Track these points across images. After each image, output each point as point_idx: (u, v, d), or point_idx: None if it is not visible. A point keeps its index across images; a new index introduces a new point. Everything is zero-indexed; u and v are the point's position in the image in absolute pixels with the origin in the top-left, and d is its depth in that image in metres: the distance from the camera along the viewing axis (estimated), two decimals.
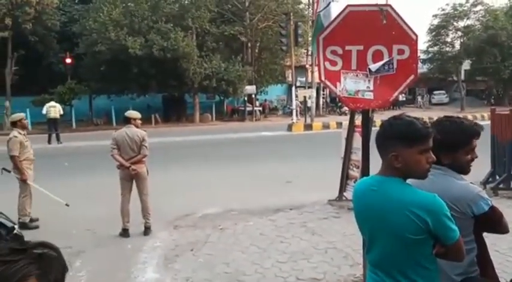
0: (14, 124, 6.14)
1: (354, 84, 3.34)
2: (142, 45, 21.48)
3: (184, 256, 4.70)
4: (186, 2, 24.92)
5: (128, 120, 5.64)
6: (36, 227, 5.87)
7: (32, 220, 6.01)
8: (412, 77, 3.52)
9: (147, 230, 5.53)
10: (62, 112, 17.00)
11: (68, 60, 23.72)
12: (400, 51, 3.49)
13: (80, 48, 23.59)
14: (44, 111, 16.62)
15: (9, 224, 3.29)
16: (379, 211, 1.67)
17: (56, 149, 14.88)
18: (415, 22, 3.58)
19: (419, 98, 39.15)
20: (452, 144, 1.91)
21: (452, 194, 1.82)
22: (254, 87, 26.34)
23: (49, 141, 15.84)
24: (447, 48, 36.66)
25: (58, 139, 16.05)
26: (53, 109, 16.32)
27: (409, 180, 1.72)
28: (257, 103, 28.54)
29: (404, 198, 1.62)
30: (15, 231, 3.30)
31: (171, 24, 22.52)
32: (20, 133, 6.00)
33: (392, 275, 1.68)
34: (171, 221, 6.01)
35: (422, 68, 33.87)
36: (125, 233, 5.45)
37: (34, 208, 6.22)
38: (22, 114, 6.37)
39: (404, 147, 1.64)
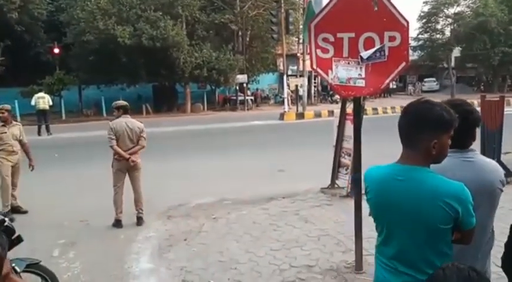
0: None
1: (345, 72, 3.34)
2: (131, 34, 21.16)
3: (178, 246, 4.72)
4: None
5: (126, 111, 5.56)
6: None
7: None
8: (403, 64, 3.52)
9: (140, 220, 5.52)
10: (51, 103, 16.76)
11: (56, 50, 23.26)
12: (392, 38, 3.48)
13: (67, 38, 23.17)
14: (32, 103, 16.37)
15: (0, 217, 3.28)
16: (408, 202, 1.62)
17: (45, 140, 14.71)
18: (406, 9, 3.60)
19: (410, 86, 39.36)
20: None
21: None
22: (245, 76, 26.18)
23: (39, 133, 15.64)
24: (437, 35, 36.80)
25: (48, 130, 15.88)
26: (42, 100, 16.09)
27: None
28: (249, 92, 28.43)
29: (437, 188, 1.59)
30: (6, 224, 3.29)
31: (160, 13, 22.17)
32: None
33: (416, 265, 1.64)
34: (164, 211, 6.01)
35: (412, 56, 33.99)
36: (118, 223, 5.43)
37: (27, 200, 6.18)
38: (3, 105, 6.26)
39: (443, 133, 1.62)
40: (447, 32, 36.34)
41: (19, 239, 3.29)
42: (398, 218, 1.66)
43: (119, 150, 5.34)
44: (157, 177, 7.39)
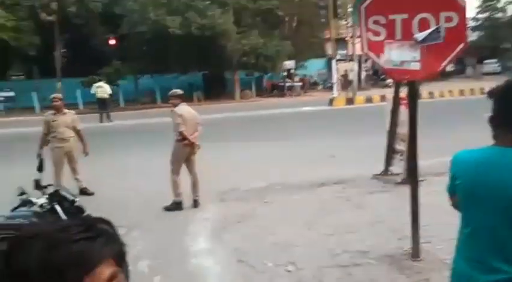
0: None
1: (399, 55, 3.26)
2: (181, 24, 21.68)
3: (233, 228, 4.92)
4: None
5: (183, 99, 5.84)
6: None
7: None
8: (461, 45, 3.37)
9: (196, 203, 5.79)
10: (110, 92, 17.66)
11: (112, 42, 24.47)
12: (448, 19, 3.34)
13: (122, 29, 24.21)
14: (92, 92, 17.40)
15: (71, 197, 3.61)
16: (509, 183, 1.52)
17: (107, 127, 15.67)
18: None
19: (468, 68, 36.93)
20: None
21: None
22: (293, 62, 25.97)
23: (100, 120, 16.65)
24: (498, 14, 34.04)
25: (108, 117, 16.85)
26: (100, 89, 17.04)
27: None
28: (297, 78, 28.19)
29: None
30: (76, 204, 3.63)
31: (208, 1, 22.48)
32: (51, 113, 6.46)
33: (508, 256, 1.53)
34: (217, 195, 6.24)
35: (471, 36, 31.77)
36: (178, 206, 5.68)
37: (93, 182, 6.66)
38: (55, 94, 6.77)
39: None
40: (510, 11, 33.53)
41: None
42: (497, 204, 1.53)
43: (187, 135, 5.57)
44: (210, 162, 7.64)
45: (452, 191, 1.73)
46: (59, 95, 6.68)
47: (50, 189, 3.55)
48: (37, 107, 22.80)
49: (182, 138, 5.58)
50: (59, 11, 23.05)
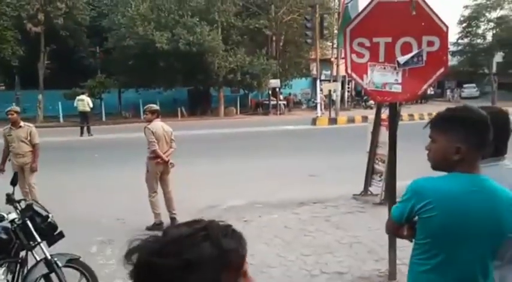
0: None
1: (381, 77, 3.30)
2: (169, 39, 21.77)
3: None
4: None
5: (159, 115, 5.68)
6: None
7: None
8: (442, 69, 3.44)
9: (174, 221, 5.57)
10: (91, 105, 17.44)
11: (98, 55, 24.35)
12: (430, 43, 3.41)
13: (109, 43, 24.14)
14: (75, 104, 17.15)
15: (44, 213, 3.47)
16: (487, 213, 1.52)
17: (87, 141, 15.38)
18: (445, 13, 3.50)
19: (448, 92, 38.05)
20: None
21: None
22: (278, 80, 26.26)
23: (81, 134, 16.37)
24: (478, 40, 35.43)
25: (89, 131, 16.57)
26: (81, 103, 16.78)
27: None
28: (281, 97, 28.46)
29: (507, 195, 1.54)
30: (49, 220, 3.48)
31: (197, 18, 22.69)
32: (8, 127, 6.17)
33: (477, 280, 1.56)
34: (196, 213, 6.09)
35: (452, 61, 32.85)
36: (160, 227, 5.39)
37: (66, 197, 6.47)
38: (11, 107, 6.34)
39: None
40: (489, 37, 34.93)
41: (61, 235, 3.48)
42: (471, 232, 1.52)
43: (161, 153, 5.45)
44: (189, 179, 7.53)
45: (406, 218, 1.64)
46: (16, 108, 6.35)
47: (23, 204, 3.40)
48: None
49: (155, 156, 5.47)
50: (45, 22, 22.89)
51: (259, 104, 29.28)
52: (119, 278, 4.09)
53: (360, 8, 3.91)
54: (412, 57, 3.32)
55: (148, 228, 5.47)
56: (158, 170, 5.56)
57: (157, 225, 5.46)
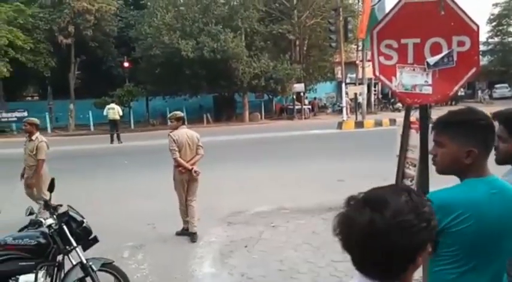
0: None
1: (410, 79, 3.22)
2: (194, 47, 22.13)
3: (239, 252, 4.81)
4: (235, 3, 25.31)
5: (183, 121, 5.60)
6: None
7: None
8: (473, 69, 3.33)
9: (194, 236, 5.34)
10: (121, 113, 17.93)
11: (126, 64, 25.05)
12: (461, 43, 3.32)
13: (136, 53, 24.78)
14: (104, 113, 17.68)
15: (79, 218, 3.58)
16: (508, 214, 1.51)
17: (116, 148, 15.79)
18: (474, 12, 3.42)
19: (479, 92, 36.81)
20: None
21: None
22: (303, 85, 26.17)
23: (111, 141, 16.85)
24: (510, 39, 34.15)
25: (118, 139, 17.02)
26: (112, 111, 17.29)
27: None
28: (306, 101, 28.33)
29: None
30: (84, 225, 3.59)
31: (221, 26, 22.98)
32: (26, 139, 6.10)
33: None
34: (224, 218, 6.16)
35: (482, 61, 31.81)
36: (187, 231, 5.42)
37: (96, 203, 6.61)
38: (28, 119, 6.35)
39: None
40: None
41: (95, 239, 3.59)
42: (503, 234, 1.52)
43: (182, 162, 5.30)
44: (217, 184, 7.59)
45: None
46: (31, 120, 6.20)
47: (60, 210, 3.52)
48: (49, 127, 23.17)
49: (178, 164, 5.36)
50: (75, 34, 23.76)
51: (283, 108, 29.24)
52: None
53: (387, 10, 3.85)
54: (442, 57, 3.24)
55: (178, 234, 5.54)
56: (183, 178, 5.41)
57: (186, 231, 5.49)
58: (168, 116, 5.69)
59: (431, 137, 1.75)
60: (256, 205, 6.64)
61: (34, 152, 5.95)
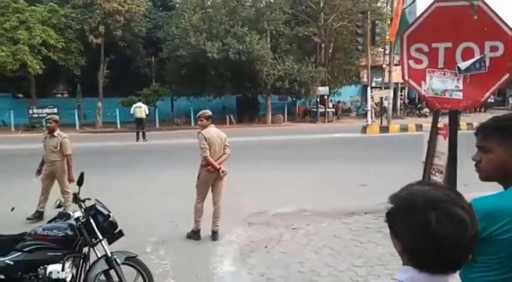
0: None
1: (440, 84, 3.18)
2: (220, 49, 22.33)
3: (259, 252, 4.83)
4: (262, 5, 25.38)
5: (212, 120, 5.53)
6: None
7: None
8: (506, 76, 3.26)
9: (215, 235, 5.38)
10: (147, 112, 18.28)
11: (153, 64, 25.53)
12: (494, 49, 3.24)
13: (163, 53, 25.20)
14: (131, 111, 18.05)
15: (106, 212, 3.68)
16: None
17: (142, 146, 16.11)
18: (508, 16, 3.32)
19: (510, 99, 35.59)
20: None
21: None
22: (327, 88, 25.98)
23: (137, 139, 17.20)
24: None
25: (144, 137, 17.33)
26: (139, 109, 17.64)
27: None
28: (330, 104, 28.11)
29: None
30: (110, 219, 3.69)
31: (247, 28, 23.11)
32: (45, 134, 6.36)
33: None
34: (245, 218, 6.19)
35: None
36: (196, 235, 5.34)
37: (121, 199, 6.76)
38: (51, 116, 6.63)
39: None
40: None
41: (120, 233, 3.68)
42: None
43: (212, 160, 5.23)
44: (238, 185, 7.62)
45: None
46: (55, 117, 6.55)
47: (88, 203, 3.63)
48: (77, 124, 23.87)
49: (206, 163, 5.28)
50: (105, 34, 24.42)
51: (307, 111, 29.10)
52: (172, 278, 4.25)
53: (418, 13, 3.80)
54: (474, 63, 3.18)
55: (188, 236, 5.39)
56: (210, 177, 5.34)
57: (194, 233, 5.34)
58: (198, 114, 5.62)
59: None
60: (277, 206, 6.64)
61: (58, 148, 6.20)
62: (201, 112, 5.59)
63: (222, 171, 5.35)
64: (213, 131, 5.41)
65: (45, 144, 6.26)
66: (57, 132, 6.32)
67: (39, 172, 6.32)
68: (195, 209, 5.41)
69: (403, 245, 1.09)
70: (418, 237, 1.04)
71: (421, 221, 1.03)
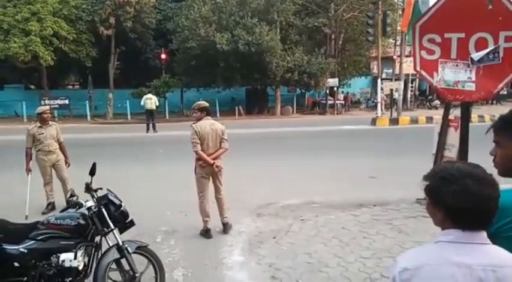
0: (38, 115, 6.42)
1: (453, 75, 3.14)
2: (229, 40, 22.24)
3: (268, 243, 4.86)
4: None
5: (208, 112, 5.25)
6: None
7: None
8: None
9: (226, 227, 5.27)
10: (157, 104, 18.33)
11: (163, 56, 25.59)
12: (508, 39, 3.18)
13: (173, 45, 25.21)
14: (141, 103, 18.14)
15: (117, 202, 3.74)
16: None
17: (152, 137, 16.23)
18: None
19: None
20: None
21: None
22: (336, 79, 25.76)
23: (147, 130, 17.33)
24: None
25: (154, 128, 17.43)
26: (149, 101, 17.70)
27: None
28: (340, 96, 27.91)
29: None
30: (122, 209, 3.74)
31: (257, 19, 22.95)
32: (37, 126, 6.30)
33: None
34: (253, 209, 6.22)
35: None
36: (207, 233, 5.14)
37: (132, 189, 6.81)
38: (45, 108, 6.75)
39: None
40: None
41: (132, 223, 3.74)
42: None
43: (204, 155, 5.01)
44: (247, 176, 7.65)
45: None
46: (47, 108, 6.82)
47: (100, 193, 3.68)
48: (88, 115, 24.10)
49: (198, 158, 5.09)
50: (116, 25, 24.48)
51: (316, 103, 28.95)
52: (182, 267, 4.31)
53: (431, 3, 3.74)
54: (488, 53, 3.13)
55: (201, 233, 5.23)
56: (205, 172, 5.13)
57: (204, 232, 5.17)
58: (192, 106, 5.36)
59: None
60: (285, 198, 6.66)
61: (57, 136, 6.45)
62: (195, 104, 5.35)
63: (217, 166, 5.09)
64: (206, 124, 5.11)
65: (44, 135, 6.31)
66: (49, 121, 6.55)
67: (30, 170, 6.31)
68: (200, 208, 5.22)
69: (445, 209, 1.31)
70: (460, 199, 1.26)
71: (461, 186, 1.26)
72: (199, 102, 5.38)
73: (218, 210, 5.34)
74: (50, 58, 22.82)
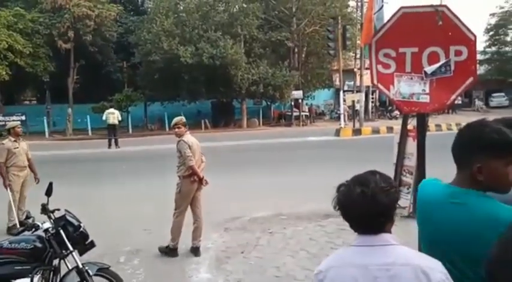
0: (9, 131, 6.30)
1: (408, 87, 3.27)
2: (193, 53, 22.21)
3: (235, 258, 4.80)
4: (235, 10, 25.45)
5: (185, 127, 5.15)
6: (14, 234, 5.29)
7: (14, 226, 5.76)
8: (470, 79, 3.38)
9: (197, 251, 5.01)
10: (120, 118, 17.92)
11: (124, 70, 25.09)
12: (458, 53, 3.36)
13: (135, 58, 24.84)
14: (103, 118, 17.65)
15: (76, 223, 3.58)
16: (467, 229, 1.43)
17: (114, 153, 15.76)
18: (471, 22, 3.47)
19: (476, 101, 37.02)
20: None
21: None
22: (301, 92, 26.27)
23: (109, 146, 16.81)
24: (506, 48, 34.55)
25: (116, 144, 16.97)
26: (112, 115, 17.26)
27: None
28: (304, 108, 28.43)
29: (498, 215, 1.37)
30: (81, 229, 3.58)
31: (220, 33, 23.10)
32: (11, 140, 6.13)
33: None
34: (221, 223, 6.15)
35: (479, 70, 32.06)
36: (174, 253, 4.95)
37: (93, 207, 6.58)
38: (17, 123, 6.65)
39: (492, 158, 1.42)
40: None
41: (92, 244, 3.58)
42: (452, 246, 1.47)
43: (198, 170, 4.92)
44: (213, 190, 7.52)
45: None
46: (18, 122, 6.69)
47: (57, 214, 3.51)
48: (47, 131, 23.11)
49: (191, 173, 4.92)
50: (75, 39, 23.82)
51: (281, 115, 29.31)
52: None
53: (385, 19, 3.90)
54: (440, 67, 3.29)
55: (161, 250, 5.00)
56: (193, 189, 4.99)
57: (171, 250, 4.95)
58: (175, 121, 5.14)
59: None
60: (253, 211, 6.64)
61: (27, 151, 6.30)
62: (178, 119, 5.19)
63: (205, 181, 5.08)
64: (194, 139, 5.08)
65: (18, 150, 6.12)
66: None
67: (10, 185, 5.99)
68: (174, 224, 4.98)
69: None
70: (339, 209, 1.48)
71: (339, 195, 1.48)
72: (180, 117, 5.23)
73: (193, 233, 5.07)
74: (4, 73, 21.82)
